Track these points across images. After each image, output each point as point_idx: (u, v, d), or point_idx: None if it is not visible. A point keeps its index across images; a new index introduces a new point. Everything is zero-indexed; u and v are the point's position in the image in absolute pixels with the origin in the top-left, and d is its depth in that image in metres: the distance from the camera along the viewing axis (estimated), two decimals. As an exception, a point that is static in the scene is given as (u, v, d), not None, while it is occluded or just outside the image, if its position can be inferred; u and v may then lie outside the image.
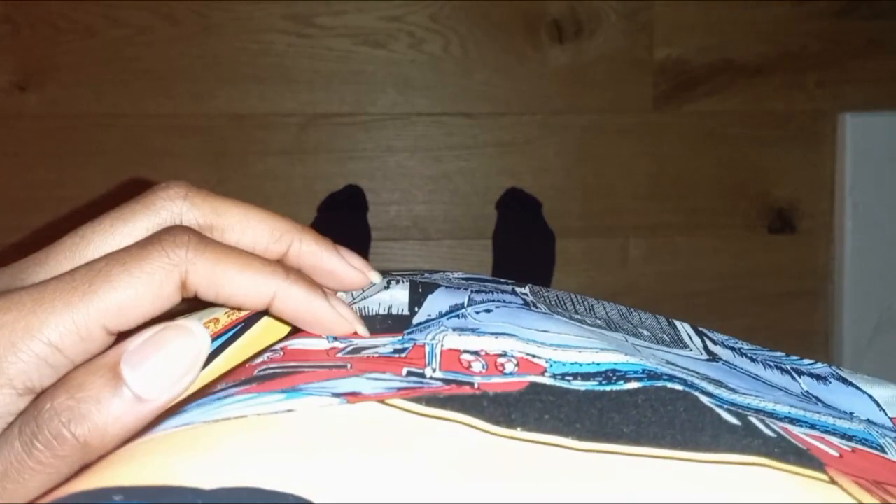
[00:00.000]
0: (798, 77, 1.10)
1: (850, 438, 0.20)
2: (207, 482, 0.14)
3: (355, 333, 0.22)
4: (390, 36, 1.06)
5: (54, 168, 1.04)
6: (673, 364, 0.22)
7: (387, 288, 0.25)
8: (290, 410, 0.16)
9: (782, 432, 0.18)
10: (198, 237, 0.20)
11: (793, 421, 0.20)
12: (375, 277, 0.24)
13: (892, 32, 1.10)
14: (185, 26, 1.04)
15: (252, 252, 0.21)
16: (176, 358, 0.18)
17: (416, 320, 0.23)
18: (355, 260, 0.23)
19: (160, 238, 0.19)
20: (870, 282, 1.10)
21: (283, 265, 0.21)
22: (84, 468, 0.16)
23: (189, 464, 0.14)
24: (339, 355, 0.20)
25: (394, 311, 0.23)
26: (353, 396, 0.17)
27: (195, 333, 0.18)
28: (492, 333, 0.21)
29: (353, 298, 0.25)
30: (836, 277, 1.11)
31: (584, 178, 1.09)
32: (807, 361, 0.27)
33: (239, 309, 0.21)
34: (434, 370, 0.19)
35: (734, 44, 1.09)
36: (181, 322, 0.18)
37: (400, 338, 0.21)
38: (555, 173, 1.09)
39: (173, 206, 0.21)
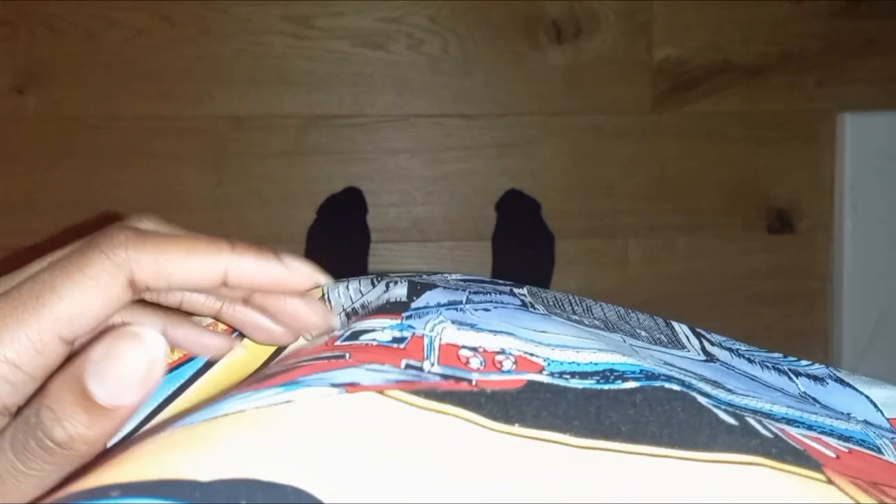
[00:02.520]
0: (797, 77, 1.10)
1: (847, 439, 0.20)
2: (205, 475, 0.14)
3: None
4: (389, 37, 1.06)
5: (53, 171, 1.04)
6: (670, 364, 0.22)
7: (385, 291, 0.25)
8: (287, 402, 0.16)
9: (779, 433, 0.18)
10: (135, 233, 0.20)
11: (790, 422, 0.20)
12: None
13: (892, 32, 1.10)
14: (184, 28, 1.04)
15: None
16: (133, 367, 0.18)
17: (414, 305, 0.23)
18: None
19: (97, 242, 0.20)
20: (869, 282, 1.09)
21: (226, 240, 0.21)
22: (83, 469, 0.17)
23: (186, 458, 0.14)
24: (338, 343, 0.20)
25: (391, 300, 0.23)
26: (351, 387, 0.17)
27: (145, 341, 0.18)
28: (490, 331, 0.21)
29: (352, 302, 0.25)
30: (835, 277, 1.11)
31: (583, 179, 1.09)
32: (804, 362, 0.27)
33: (196, 290, 0.21)
34: (432, 364, 0.19)
35: (733, 44, 1.09)
36: (134, 329, 0.18)
37: (399, 322, 0.21)
38: (554, 174, 1.09)
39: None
